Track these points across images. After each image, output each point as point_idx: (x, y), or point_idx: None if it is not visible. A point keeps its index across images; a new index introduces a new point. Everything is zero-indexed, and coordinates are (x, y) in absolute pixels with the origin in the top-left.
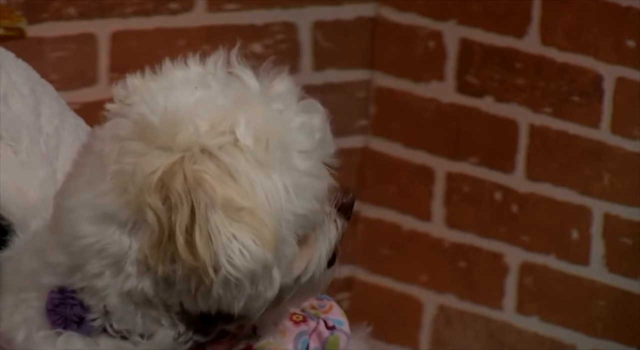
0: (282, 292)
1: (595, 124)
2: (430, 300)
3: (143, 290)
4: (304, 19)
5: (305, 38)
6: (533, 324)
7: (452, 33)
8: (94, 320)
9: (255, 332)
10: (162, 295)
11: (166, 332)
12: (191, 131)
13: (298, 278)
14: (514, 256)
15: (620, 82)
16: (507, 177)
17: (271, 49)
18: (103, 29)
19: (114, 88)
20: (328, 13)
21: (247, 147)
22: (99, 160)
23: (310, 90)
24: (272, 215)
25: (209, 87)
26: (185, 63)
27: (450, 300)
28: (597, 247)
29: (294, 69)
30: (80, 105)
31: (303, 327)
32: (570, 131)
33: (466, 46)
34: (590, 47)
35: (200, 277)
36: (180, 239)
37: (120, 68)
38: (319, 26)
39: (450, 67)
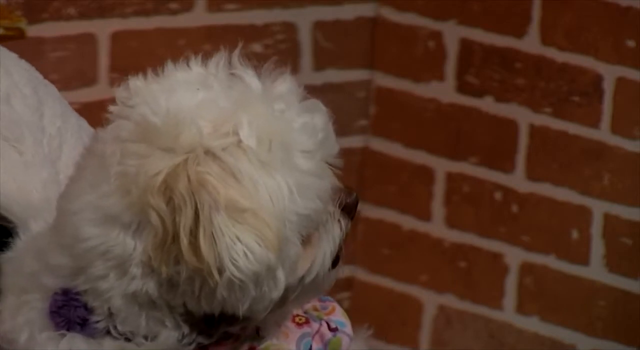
0: (287, 292)
1: (595, 124)
2: (430, 300)
3: (147, 291)
4: (304, 19)
5: (305, 38)
6: (533, 324)
7: (452, 33)
8: (97, 322)
9: (258, 334)
10: (166, 297)
11: (170, 334)
12: (194, 132)
13: (302, 278)
14: (514, 256)
15: (620, 82)
16: (507, 177)
17: (271, 49)
18: (103, 29)
19: (116, 90)
20: (328, 13)
21: (250, 148)
22: (101, 162)
23: (310, 90)
24: (276, 216)
25: (211, 88)
26: (187, 64)
27: (450, 300)
28: (597, 247)
29: (294, 69)
30: (80, 105)
31: (306, 328)
32: (570, 131)
33: (466, 46)
34: (590, 47)
35: (204, 278)
36: (184, 241)
37: (120, 68)
38: (319, 26)
39: (450, 67)
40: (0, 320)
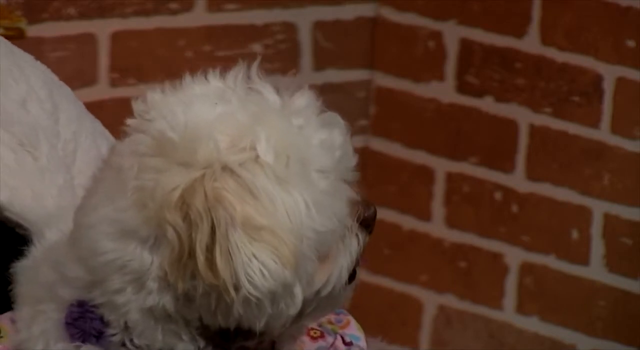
0: (303, 306)
1: (595, 124)
2: (430, 300)
3: (164, 306)
4: (304, 19)
5: (305, 38)
6: (533, 324)
7: (452, 33)
8: (113, 335)
9: (274, 348)
10: (183, 311)
11: (186, 347)
12: (211, 148)
13: (318, 292)
14: (514, 256)
15: (620, 82)
16: (507, 177)
17: (271, 49)
18: (103, 29)
19: (134, 103)
20: (328, 13)
21: (268, 163)
22: (118, 176)
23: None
24: (293, 233)
25: (229, 103)
26: (205, 78)
27: (450, 300)
28: (597, 247)
29: (294, 69)
30: None
31: (321, 342)
32: (570, 131)
33: (466, 46)
34: (590, 47)
35: (220, 294)
36: (200, 257)
37: (120, 68)
38: (319, 26)
39: (450, 67)
40: (15, 329)
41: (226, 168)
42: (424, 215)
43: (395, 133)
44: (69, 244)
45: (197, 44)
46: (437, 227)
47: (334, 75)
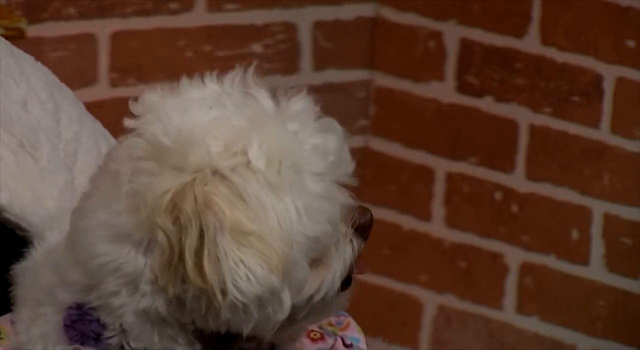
0: (294, 311)
1: (595, 124)
2: (430, 300)
3: (157, 309)
4: (304, 19)
5: (305, 38)
6: (533, 324)
7: (452, 33)
8: (111, 337)
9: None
10: (175, 315)
11: None
12: (203, 152)
13: (310, 298)
14: (514, 256)
15: (620, 82)
16: (507, 177)
17: (271, 49)
18: (103, 29)
19: (131, 104)
20: (328, 13)
21: (259, 169)
22: (114, 180)
23: (310, 90)
24: (282, 239)
25: (224, 107)
26: (202, 81)
27: (450, 300)
28: (597, 247)
29: (294, 69)
30: None
31: (320, 344)
32: (570, 131)
33: (466, 46)
34: (590, 47)
35: (210, 298)
36: (189, 261)
37: (120, 68)
38: (319, 26)
39: (450, 67)
40: (15, 332)
41: (217, 173)
42: (424, 215)
43: (395, 133)
44: (67, 247)
45: (197, 44)
46: (437, 227)
47: (334, 75)
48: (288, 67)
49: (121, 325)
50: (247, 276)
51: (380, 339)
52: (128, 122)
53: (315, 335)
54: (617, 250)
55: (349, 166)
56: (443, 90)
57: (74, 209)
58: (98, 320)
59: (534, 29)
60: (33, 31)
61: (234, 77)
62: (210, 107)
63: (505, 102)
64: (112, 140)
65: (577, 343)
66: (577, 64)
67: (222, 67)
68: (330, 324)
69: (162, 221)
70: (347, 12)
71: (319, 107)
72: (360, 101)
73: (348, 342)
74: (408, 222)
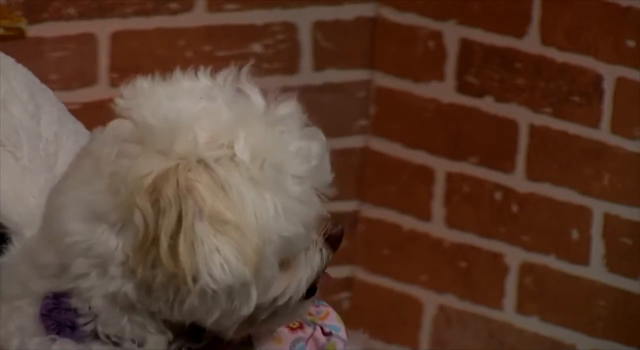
0: (257, 311)
1: (595, 124)
2: (430, 300)
3: (126, 293)
4: (304, 19)
5: (305, 38)
6: (533, 324)
7: (452, 33)
8: (84, 324)
9: (250, 340)
10: (144, 301)
11: (158, 338)
12: (190, 140)
13: (274, 300)
14: (514, 256)
15: (620, 82)
16: (507, 177)
17: (271, 49)
18: (103, 29)
19: (122, 87)
20: (328, 13)
21: (244, 163)
22: (96, 161)
23: (310, 90)
24: (258, 233)
25: (214, 100)
26: (195, 74)
27: (450, 300)
28: (597, 247)
29: (294, 69)
30: (80, 105)
31: (299, 333)
32: (570, 131)
33: (466, 46)
34: (590, 47)
35: (177, 286)
36: (164, 244)
37: (120, 68)
38: (319, 26)
39: (450, 67)
40: None
41: (201, 162)
42: (424, 215)
43: (395, 133)
44: (41, 229)
45: (197, 44)
46: (437, 227)
47: (334, 75)
48: (288, 67)
49: (90, 308)
50: (222, 265)
51: (380, 339)
52: (117, 101)
53: (293, 324)
54: (617, 250)
55: (328, 176)
56: (443, 90)
57: (51, 188)
58: (75, 308)
59: (534, 29)
60: (33, 31)
61: (227, 74)
62: (201, 98)
63: (505, 102)
64: None
65: (577, 343)
66: (577, 64)
67: (222, 67)
68: (309, 314)
69: (141, 202)
70: (347, 12)
71: (305, 115)
72: (360, 101)
73: (327, 330)
74: (408, 222)
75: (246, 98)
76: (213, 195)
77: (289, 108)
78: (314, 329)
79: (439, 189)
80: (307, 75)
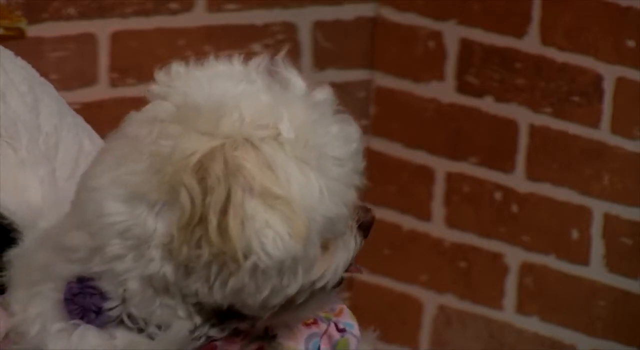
0: (296, 294)
1: (595, 124)
2: (430, 300)
3: (165, 275)
4: (304, 19)
5: (305, 38)
6: (533, 324)
7: (452, 33)
8: (111, 309)
9: (267, 333)
10: (181, 283)
11: (182, 324)
12: (235, 119)
13: (313, 283)
14: (514, 256)
15: (620, 82)
16: (507, 177)
17: (271, 49)
18: (103, 29)
19: (156, 72)
20: (328, 13)
21: (289, 142)
22: (133, 142)
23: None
24: (305, 211)
25: (254, 82)
26: (229, 61)
27: (450, 300)
28: (597, 247)
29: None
30: (80, 105)
31: (314, 329)
32: (570, 131)
33: (466, 46)
34: (590, 47)
35: (222, 265)
36: (213, 222)
37: (120, 68)
38: (319, 26)
39: (450, 67)
40: (8, 313)
41: (247, 140)
42: (424, 215)
43: (395, 133)
44: (71, 212)
45: (197, 44)
46: (437, 227)
47: (334, 75)
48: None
49: (124, 291)
50: (274, 239)
51: (380, 339)
52: (153, 88)
53: (308, 320)
54: (617, 250)
55: (362, 163)
56: (443, 90)
57: (82, 172)
58: (100, 293)
59: (534, 29)
60: (33, 31)
61: (260, 61)
62: (241, 80)
63: (505, 102)
64: (95, 134)
65: (577, 343)
66: (577, 64)
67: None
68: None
69: (188, 180)
70: (347, 12)
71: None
72: (360, 101)
73: (341, 327)
74: (408, 222)
75: (284, 81)
76: (261, 173)
77: (325, 93)
78: (328, 325)
79: (439, 189)
80: (307, 75)
